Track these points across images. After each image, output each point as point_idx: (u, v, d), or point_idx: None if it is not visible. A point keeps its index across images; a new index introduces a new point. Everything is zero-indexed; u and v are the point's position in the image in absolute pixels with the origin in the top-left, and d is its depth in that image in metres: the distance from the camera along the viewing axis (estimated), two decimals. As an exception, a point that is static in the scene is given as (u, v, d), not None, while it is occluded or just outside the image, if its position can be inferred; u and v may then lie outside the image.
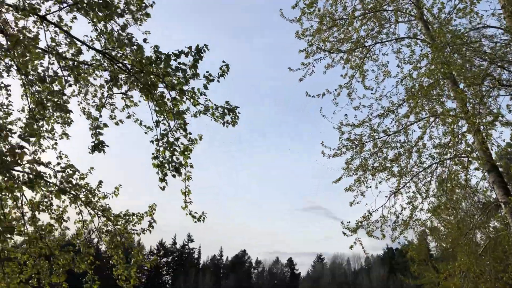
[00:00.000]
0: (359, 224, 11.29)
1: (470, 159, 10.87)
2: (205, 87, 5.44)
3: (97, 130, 5.40)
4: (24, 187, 5.86)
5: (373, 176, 12.17)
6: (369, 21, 13.86)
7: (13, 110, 6.82)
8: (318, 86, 13.45)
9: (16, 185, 5.16)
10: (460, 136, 10.20)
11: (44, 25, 6.03)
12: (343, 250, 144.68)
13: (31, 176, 5.44)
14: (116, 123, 6.77)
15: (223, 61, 5.58)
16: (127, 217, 7.97)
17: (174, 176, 5.51)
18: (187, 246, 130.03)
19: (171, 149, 5.52)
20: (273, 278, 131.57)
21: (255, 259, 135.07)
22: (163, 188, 5.53)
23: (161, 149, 5.52)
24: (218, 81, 5.53)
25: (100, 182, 7.78)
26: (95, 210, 7.63)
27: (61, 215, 7.50)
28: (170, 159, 5.50)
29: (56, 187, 6.63)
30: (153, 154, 5.50)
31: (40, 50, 5.74)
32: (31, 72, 5.98)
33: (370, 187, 11.64)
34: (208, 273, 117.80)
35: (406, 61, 12.16)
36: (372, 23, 14.04)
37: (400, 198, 11.86)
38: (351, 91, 13.31)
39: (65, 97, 6.14)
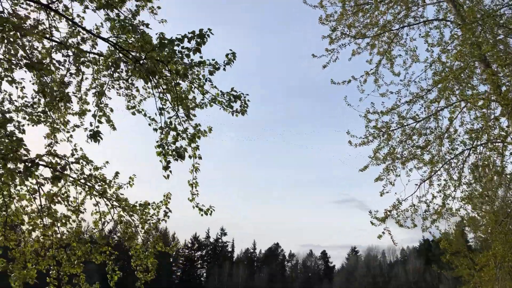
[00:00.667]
0: (388, 213, 10.97)
1: (505, 144, 10.37)
2: (211, 73, 5.33)
3: (97, 118, 5.36)
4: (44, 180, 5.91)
5: (403, 165, 11.81)
6: (396, 4, 13.40)
7: (27, 102, 6.82)
8: (340, 74, 13.12)
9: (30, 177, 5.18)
10: (493, 120, 9.72)
11: (47, 13, 6.00)
12: (378, 242, 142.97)
13: (56, 173, 5.50)
14: (133, 113, 6.74)
15: (230, 49, 5.47)
16: (142, 207, 7.94)
17: (176, 160, 5.40)
18: (220, 240, 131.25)
19: (175, 133, 5.42)
20: (307, 271, 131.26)
21: (288, 252, 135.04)
22: (167, 177, 5.45)
23: (164, 135, 5.42)
24: (224, 69, 5.42)
25: (117, 174, 7.77)
26: (111, 201, 7.62)
27: (78, 207, 7.54)
28: (173, 145, 5.40)
29: (71, 179, 6.69)
30: (157, 142, 5.42)
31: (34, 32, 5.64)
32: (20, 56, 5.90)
33: (399, 175, 11.29)
34: (242, 266, 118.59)
35: (435, 43, 11.67)
36: (399, 6, 13.57)
37: (431, 187, 11.46)
38: (377, 78, 12.93)
39: (69, 88, 6.14)
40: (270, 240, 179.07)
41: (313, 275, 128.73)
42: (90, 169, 7.10)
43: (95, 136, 5.29)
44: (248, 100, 5.64)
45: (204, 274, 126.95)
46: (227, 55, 5.49)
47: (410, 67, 12.64)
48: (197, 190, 6.05)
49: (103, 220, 7.78)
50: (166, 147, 5.35)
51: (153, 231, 8.10)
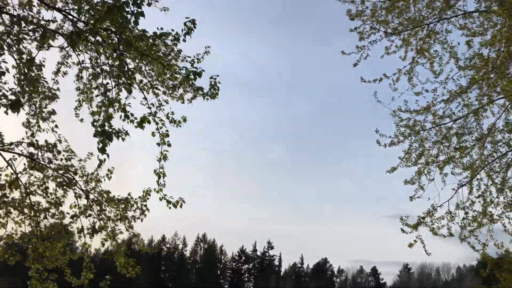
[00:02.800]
0: (421, 220, 10.01)
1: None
2: (175, 40, 4.86)
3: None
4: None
5: (441, 169, 10.81)
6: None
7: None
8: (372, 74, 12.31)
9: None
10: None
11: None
12: (432, 259, 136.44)
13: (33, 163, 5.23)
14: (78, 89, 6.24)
15: (186, 17, 5.02)
16: (123, 202, 7.48)
17: (106, 143, 4.80)
18: (267, 253, 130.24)
19: (108, 110, 4.92)
20: (357, 287, 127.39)
21: (337, 267, 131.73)
22: (103, 161, 4.99)
23: (96, 110, 4.92)
24: (184, 40, 4.96)
25: (100, 164, 7.36)
26: (90, 194, 7.24)
27: (58, 200, 7.22)
28: (104, 123, 4.83)
29: (50, 170, 6.41)
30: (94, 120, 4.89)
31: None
32: None
33: (433, 179, 10.30)
34: (289, 280, 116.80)
35: (475, 34, 10.57)
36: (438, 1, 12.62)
37: (470, 193, 10.38)
38: (412, 75, 12.00)
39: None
40: (319, 255, 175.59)
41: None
42: (64, 159, 6.76)
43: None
44: (219, 82, 5.17)
45: (251, 287, 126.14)
46: (185, 23, 5.06)
47: (447, 63, 11.63)
48: (164, 181, 5.60)
49: (84, 214, 7.37)
50: (99, 124, 4.84)
51: (129, 228, 7.60)
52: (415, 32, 12.50)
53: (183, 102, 5.89)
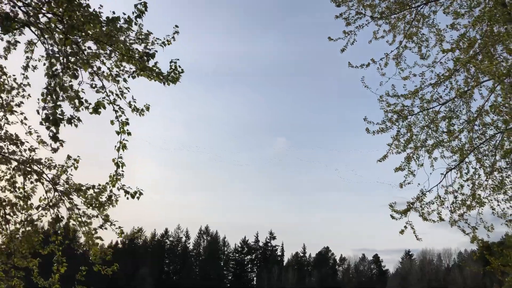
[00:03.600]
0: (410, 206, 9.89)
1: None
2: (127, 23, 4.70)
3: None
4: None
5: (430, 154, 10.67)
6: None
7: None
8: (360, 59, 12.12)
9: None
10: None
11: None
12: (433, 245, 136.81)
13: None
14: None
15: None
16: (88, 190, 7.31)
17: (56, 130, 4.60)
18: (269, 244, 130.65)
19: (57, 96, 4.74)
20: (360, 275, 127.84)
21: (339, 256, 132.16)
22: (55, 150, 4.84)
23: (45, 96, 4.75)
24: (135, 22, 4.78)
25: (69, 157, 7.22)
26: (59, 185, 7.09)
27: (27, 194, 7.06)
28: (54, 110, 4.66)
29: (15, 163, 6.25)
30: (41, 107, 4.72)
31: None
32: None
33: (422, 165, 10.16)
34: (292, 270, 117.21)
35: (459, 15, 10.36)
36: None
37: (460, 176, 10.25)
38: (399, 60, 11.82)
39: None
40: (321, 245, 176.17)
41: (366, 279, 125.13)
42: (28, 150, 6.59)
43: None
44: (179, 66, 4.99)
45: (254, 278, 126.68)
46: (136, 5, 4.91)
47: (434, 46, 11.45)
48: (123, 170, 5.45)
49: (53, 206, 7.21)
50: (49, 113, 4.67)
51: (104, 216, 7.41)
52: (403, 15, 12.30)
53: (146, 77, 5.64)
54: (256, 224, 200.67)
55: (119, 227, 7.42)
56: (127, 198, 5.87)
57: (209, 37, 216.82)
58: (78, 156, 7.32)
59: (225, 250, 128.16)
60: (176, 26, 5.90)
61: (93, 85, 5.30)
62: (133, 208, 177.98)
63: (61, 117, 4.56)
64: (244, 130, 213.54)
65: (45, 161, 7.00)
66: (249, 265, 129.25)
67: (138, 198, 5.98)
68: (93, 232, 7.35)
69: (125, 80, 5.49)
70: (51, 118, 4.49)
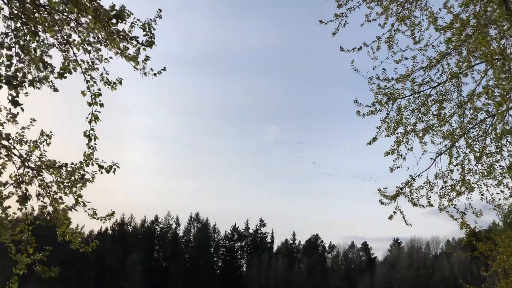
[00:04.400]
0: (399, 191, 9.74)
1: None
2: None
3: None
4: None
5: (421, 138, 10.52)
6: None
7: None
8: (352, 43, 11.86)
9: None
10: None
11: None
12: (421, 233, 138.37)
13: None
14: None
15: None
16: (61, 168, 6.99)
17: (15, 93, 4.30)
18: (259, 231, 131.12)
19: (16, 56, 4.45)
20: (349, 262, 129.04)
21: (328, 243, 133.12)
22: (14, 116, 4.54)
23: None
24: None
25: (42, 133, 6.89)
26: (29, 161, 6.76)
27: None
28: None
29: None
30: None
31: None
32: None
33: (411, 149, 10.00)
34: (281, 257, 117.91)
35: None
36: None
37: (451, 161, 10.12)
38: (392, 43, 11.59)
39: None
40: (311, 232, 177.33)
41: (355, 266, 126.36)
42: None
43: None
44: (154, 29, 4.72)
45: (244, 265, 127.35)
46: None
47: (427, 29, 11.22)
48: (95, 143, 5.21)
49: (22, 182, 6.85)
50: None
51: (77, 197, 7.10)
52: (394, -2, 12.05)
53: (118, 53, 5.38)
54: (246, 212, 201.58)
55: (92, 208, 7.14)
56: (101, 173, 5.62)
57: (196, 23, 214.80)
58: (50, 132, 6.98)
59: (215, 237, 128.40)
60: (160, 10, 5.62)
61: (62, 49, 5.01)
62: (123, 195, 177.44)
63: (22, 79, 4.28)
64: (234, 118, 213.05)
65: (16, 136, 6.68)
66: (239, 252, 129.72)
67: (114, 172, 5.73)
68: (64, 211, 7.04)
69: (97, 50, 5.21)
70: (8, 80, 4.20)
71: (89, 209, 7.09)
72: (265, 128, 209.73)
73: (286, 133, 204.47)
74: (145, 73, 5.68)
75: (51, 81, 5.64)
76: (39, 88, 4.59)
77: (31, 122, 6.68)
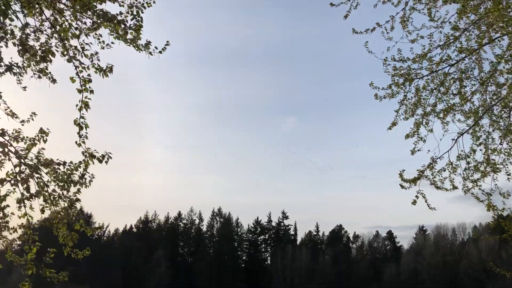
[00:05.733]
0: (421, 174, 9.40)
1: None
2: None
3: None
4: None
5: (443, 119, 10.13)
6: None
7: None
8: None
9: None
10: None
11: None
12: (447, 219, 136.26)
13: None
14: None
15: None
16: (59, 166, 6.78)
17: None
18: (282, 223, 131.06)
19: None
20: (374, 252, 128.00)
21: (353, 233, 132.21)
22: None
23: None
24: None
25: (42, 131, 6.70)
26: (25, 158, 6.58)
27: None
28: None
29: None
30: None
31: None
32: None
33: (432, 130, 9.64)
34: (305, 248, 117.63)
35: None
36: None
37: (475, 140, 9.72)
38: (406, 22, 11.18)
39: None
40: (334, 223, 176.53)
41: (380, 256, 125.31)
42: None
43: None
44: (142, 12, 4.52)
45: (268, 257, 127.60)
46: None
47: (442, 6, 10.76)
48: (86, 132, 5.04)
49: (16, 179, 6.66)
50: None
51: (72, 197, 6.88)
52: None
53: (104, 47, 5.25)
54: (268, 205, 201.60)
55: (79, 214, 6.90)
56: (93, 163, 5.49)
57: (215, 18, 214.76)
58: (47, 129, 6.76)
59: (239, 231, 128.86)
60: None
61: (41, 30, 4.87)
62: (146, 193, 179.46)
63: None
64: (253, 111, 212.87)
65: (12, 133, 6.57)
66: (263, 245, 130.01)
67: (106, 162, 5.59)
68: (62, 213, 6.86)
69: (86, 34, 5.07)
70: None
71: (76, 215, 6.83)
72: (284, 120, 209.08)
73: (305, 124, 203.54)
74: (150, 53, 5.53)
75: (49, 72, 5.57)
76: (15, 74, 4.43)
77: (31, 116, 6.56)
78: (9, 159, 6.44)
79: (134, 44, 5.32)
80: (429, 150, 9.59)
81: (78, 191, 6.66)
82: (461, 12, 8.63)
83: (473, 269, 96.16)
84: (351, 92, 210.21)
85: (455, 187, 9.60)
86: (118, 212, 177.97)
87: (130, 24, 4.93)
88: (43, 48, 5.20)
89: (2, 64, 4.27)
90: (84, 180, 6.57)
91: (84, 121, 5.25)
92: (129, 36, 5.18)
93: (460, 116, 9.82)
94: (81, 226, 6.99)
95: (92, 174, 6.45)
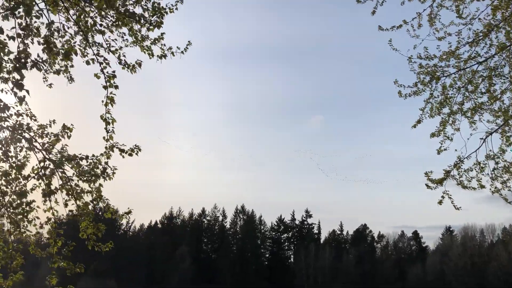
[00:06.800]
0: (447, 174, 9.24)
1: None
2: None
3: None
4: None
5: (470, 118, 9.93)
6: None
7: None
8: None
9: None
10: None
11: None
12: (475, 220, 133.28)
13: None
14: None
15: None
16: (82, 160, 6.86)
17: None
18: (306, 222, 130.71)
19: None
20: (399, 252, 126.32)
21: (377, 233, 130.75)
22: (21, 100, 4.46)
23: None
24: None
25: (65, 127, 6.78)
26: (50, 153, 6.69)
27: (21, 163, 6.71)
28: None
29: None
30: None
31: None
32: None
33: (459, 129, 9.46)
34: (329, 247, 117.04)
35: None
36: None
37: (504, 139, 9.50)
38: (434, 19, 10.98)
39: None
40: (358, 222, 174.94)
41: (405, 256, 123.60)
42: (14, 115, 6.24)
43: None
44: (163, 9, 4.55)
45: (291, 256, 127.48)
46: None
47: (472, 1, 10.53)
48: (113, 127, 5.12)
49: (39, 174, 6.78)
50: None
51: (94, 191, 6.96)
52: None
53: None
54: (291, 203, 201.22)
55: (108, 204, 7.00)
56: (123, 157, 5.60)
57: (237, 15, 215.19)
58: (71, 125, 6.96)
59: (262, 229, 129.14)
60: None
61: (65, 28, 4.99)
62: (171, 190, 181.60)
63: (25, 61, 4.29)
64: (278, 108, 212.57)
65: (37, 129, 6.74)
66: (286, 243, 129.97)
67: (137, 154, 5.69)
68: (85, 206, 6.97)
69: (111, 31, 5.18)
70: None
71: (105, 206, 6.98)
72: (309, 118, 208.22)
73: (331, 123, 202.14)
74: (172, 53, 5.66)
75: (69, 71, 5.73)
76: (40, 70, 4.56)
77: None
78: (35, 154, 6.62)
79: (150, 52, 5.39)
80: (456, 149, 9.42)
81: (100, 185, 6.79)
82: (496, 8, 8.42)
83: (502, 271, 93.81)
84: (377, 90, 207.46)
85: (482, 186, 9.40)
86: (143, 208, 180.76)
87: (151, 20, 5.01)
88: (67, 46, 5.36)
89: (28, 60, 4.41)
90: (106, 173, 6.70)
91: (111, 116, 5.36)
92: (149, 38, 5.24)
93: (489, 115, 9.60)
94: (112, 214, 7.09)
95: (113, 166, 6.59)
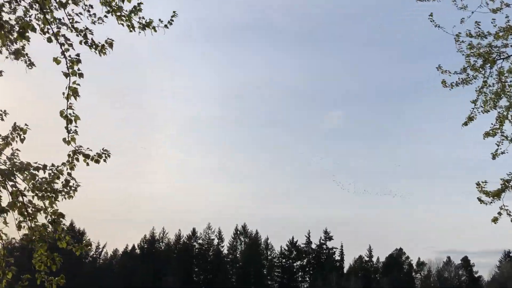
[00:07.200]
0: (506, 184, 9.21)
1: None
2: None
3: None
4: None
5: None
6: None
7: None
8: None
9: None
10: None
11: None
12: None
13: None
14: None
15: None
16: (38, 171, 6.79)
17: None
18: (324, 246, 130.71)
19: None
20: (444, 283, 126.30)
21: (416, 259, 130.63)
22: None
23: None
24: None
25: (15, 127, 6.73)
26: None
27: None
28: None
29: None
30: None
31: None
32: None
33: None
34: (354, 277, 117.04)
35: None
36: None
37: None
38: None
39: None
40: (392, 246, 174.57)
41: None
42: None
43: None
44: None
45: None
46: None
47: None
48: (76, 126, 5.09)
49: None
50: None
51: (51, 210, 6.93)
52: None
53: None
54: (305, 221, 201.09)
55: (65, 230, 6.93)
56: (87, 164, 5.56)
57: None
58: (25, 125, 6.85)
59: (269, 255, 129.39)
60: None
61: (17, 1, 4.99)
62: (152, 204, 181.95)
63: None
64: (288, 102, 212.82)
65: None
66: (300, 273, 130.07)
67: (105, 161, 5.66)
68: (43, 229, 6.90)
69: (75, 2, 5.16)
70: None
71: (61, 232, 6.88)
72: (327, 114, 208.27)
73: (353, 119, 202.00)
74: (154, 28, 5.69)
75: (26, 53, 5.70)
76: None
77: (1, 114, 6.66)
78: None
79: (129, 23, 5.39)
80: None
81: (55, 201, 6.70)
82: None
83: None
84: (411, 79, 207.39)
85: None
86: (118, 228, 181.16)
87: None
88: (20, 23, 5.35)
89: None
90: (68, 188, 6.65)
91: (73, 113, 5.30)
92: (125, 9, 5.24)
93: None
94: (67, 243, 7.04)
95: (76, 181, 6.51)
